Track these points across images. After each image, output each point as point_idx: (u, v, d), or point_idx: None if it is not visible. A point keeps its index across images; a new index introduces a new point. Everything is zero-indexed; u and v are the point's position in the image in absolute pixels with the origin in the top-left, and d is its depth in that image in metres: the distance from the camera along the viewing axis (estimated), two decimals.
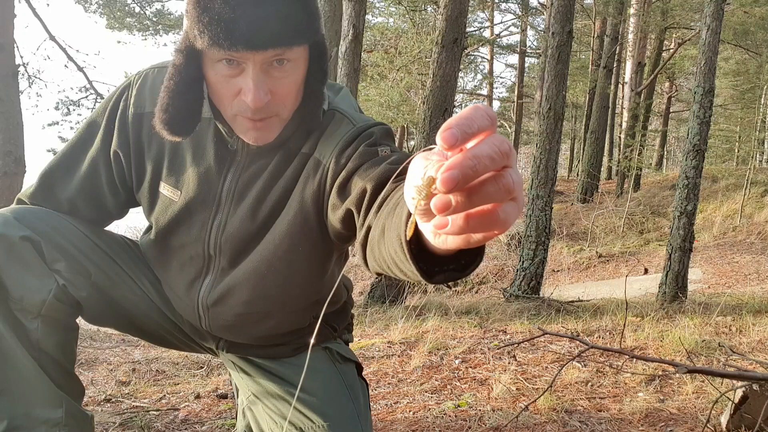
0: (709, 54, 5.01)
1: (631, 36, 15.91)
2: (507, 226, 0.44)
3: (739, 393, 1.74)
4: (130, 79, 1.13)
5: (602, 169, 16.33)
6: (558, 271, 9.83)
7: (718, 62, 7.25)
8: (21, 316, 1.03)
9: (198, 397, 2.10)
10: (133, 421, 1.81)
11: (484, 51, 21.31)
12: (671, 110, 21.03)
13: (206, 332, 1.21)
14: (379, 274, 0.79)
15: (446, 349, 2.72)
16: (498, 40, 20.52)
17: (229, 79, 0.94)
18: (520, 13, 20.07)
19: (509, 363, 2.52)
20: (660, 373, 2.33)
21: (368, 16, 14.25)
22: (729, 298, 5.22)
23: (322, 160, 1.03)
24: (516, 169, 0.44)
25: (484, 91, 22.86)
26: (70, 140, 1.17)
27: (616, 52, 15.60)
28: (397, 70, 14.89)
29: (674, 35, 17.33)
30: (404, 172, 0.51)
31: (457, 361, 2.54)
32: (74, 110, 9.37)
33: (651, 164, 19.82)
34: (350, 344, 1.36)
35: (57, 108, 9.33)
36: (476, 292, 8.80)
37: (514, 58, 22.79)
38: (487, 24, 21.27)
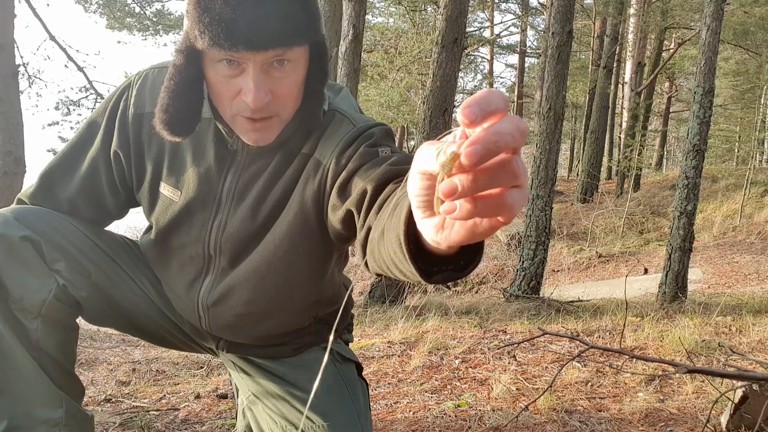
0: (709, 54, 5.01)
1: (631, 36, 15.91)
2: (513, 213, 0.45)
3: (739, 393, 1.74)
4: (130, 79, 1.13)
5: (602, 169, 16.33)
6: (558, 271, 9.83)
7: (718, 62, 7.26)
8: (21, 316, 1.03)
9: (198, 397, 2.10)
10: (133, 421, 1.81)
11: (484, 51, 21.32)
12: (671, 110, 21.03)
13: (206, 332, 1.21)
14: (379, 275, 0.79)
15: (446, 349, 2.72)
16: (498, 40, 20.52)
17: (230, 79, 0.94)
18: (520, 13, 20.08)
19: (509, 363, 2.52)
20: (660, 373, 2.33)
21: (368, 16, 14.26)
22: (729, 298, 5.22)
23: (323, 160, 1.03)
24: (521, 158, 0.45)
25: None
26: (70, 140, 1.17)
27: (616, 52, 15.61)
28: (397, 70, 14.89)
29: (674, 35, 17.33)
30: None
31: (457, 361, 2.54)
32: (74, 110, 9.38)
33: (651, 164, 19.83)
34: (350, 344, 1.36)
35: (57, 108, 9.34)
36: (476, 292, 8.81)
37: (514, 58, 22.82)
38: (487, 24, 21.29)
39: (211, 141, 1.07)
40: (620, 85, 16.81)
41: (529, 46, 21.58)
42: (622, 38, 15.87)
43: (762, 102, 15.69)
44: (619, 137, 16.79)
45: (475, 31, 19.74)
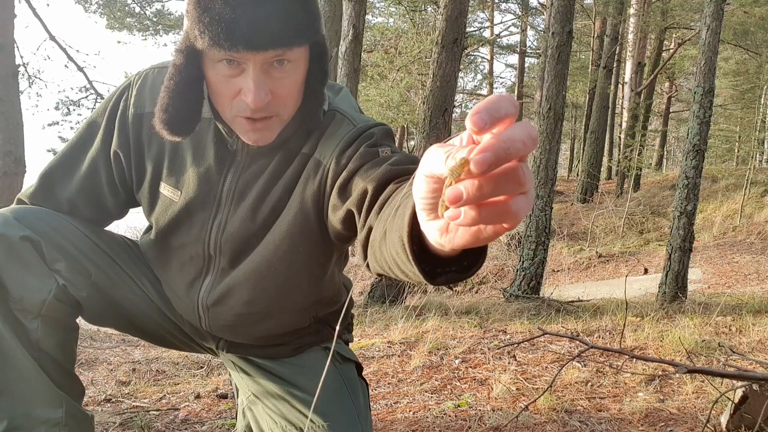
0: (709, 54, 5.01)
1: (631, 36, 15.91)
2: (518, 220, 0.45)
3: (739, 393, 1.74)
4: (130, 79, 1.13)
5: (602, 169, 16.33)
6: (558, 271, 9.82)
7: (718, 62, 7.26)
8: (21, 316, 1.03)
9: (198, 397, 2.10)
10: (133, 421, 1.81)
11: (484, 51, 21.32)
12: (671, 110, 21.03)
13: (206, 332, 1.21)
14: (380, 275, 0.79)
15: (446, 349, 2.72)
16: (498, 40, 20.52)
17: (230, 79, 0.94)
18: (520, 13, 20.07)
19: (509, 363, 2.52)
20: (660, 373, 2.33)
21: (368, 16, 14.26)
22: (729, 298, 5.22)
23: (323, 160, 1.03)
24: (527, 164, 0.45)
25: (484, 91, 22.85)
26: (70, 140, 1.17)
27: (616, 52, 15.61)
28: (397, 70, 14.89)
29: (674, 35, 17.33)
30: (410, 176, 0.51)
31: (457, 361, 2.54)
32: (74, 110, 9.38)
33: (651, 164, 19.83)
34: (350, 344, 1.36)
35: (57, 108, 9.33)
36: (476, 292, 8.80)
37: (514, 58, 22.81)
38: (487, 24, 21.29)
39: (211, 141, 1.07)
40: (620, 85, 16.81)
41: (529, 46, 21.59)
42: (622, 38, 15.87)
43: (762, 102, 15.69)
44: (619, 137, 16.79)
45: (475, 31, 19.74)
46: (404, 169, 0.86)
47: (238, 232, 1.08)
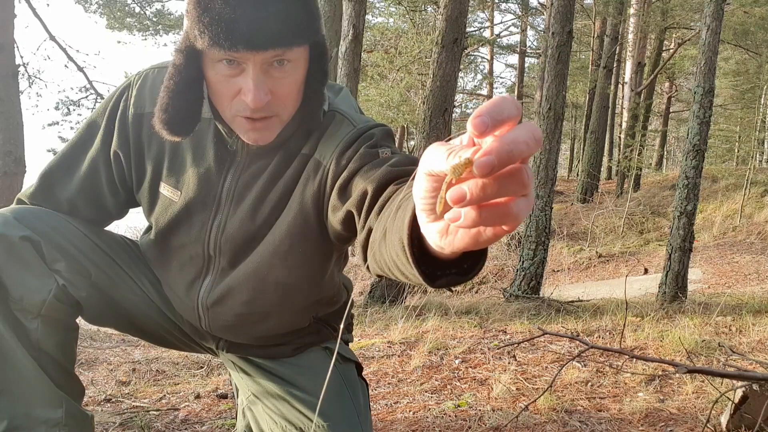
0: (709, 54, 5.01)
1: (631, 36, 15.92)
2: (518, 222, 0.44)
3: (739, 393, 1.73)
4: (130, 79, 1.13)
5: (602, 169, 16.33)
6: (558, 271, 9.82)
7: (718, 62, 7.25)
8: (21, 316, 1.03)
9: (198, 397, 2.10)
10: (133, 421, 1.81)
11: (484, 51, 21.32)
12: (671, 110, 21.03)
13: (206, 332, 1.21)
14: (380, 276, 0.79)
15: (446, 349, 2.72)
16: (498, 40, 20.52)
17: (229, 79, 0.94)
18: (520, 13, 20.07)
19: (509, 363, 2.52)
20: (660, 373, 2.33)
21: (368, 16, 14.25)
22: (729, 298, 5.22)
23: (323, 161, 1.03)
24: (529, 166, 0.45)
25: (484, 91, 22.85)
26: (70, 140, 1.17)
27: (616, 52, 15.61)
28: (397, 70, 14.89)
29: (674, 35, 17.33)
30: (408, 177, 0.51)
31: (457, 361, 2.54)
32: (74, 110, 9.38)
33: (651, 164, 19.82)
34: (350, 344, 1.36)
35: (57, 108, 9.34)
36: (476, 292, 8.80)
37: (514, 58, 22.81)
38: (487, 24, 21.29)
39: (210, 141, 1.07)
40: (620, 85, 16.81)
41: (529, 46, 21.59)
42: (622, 38, 15.87)
43: (762, 102, 15.69)
44: (619, 137, 16.79)
45: (475, 31, 19.74)
46: (404, 171, 0.86)
47: (237, 232, 1.08)
